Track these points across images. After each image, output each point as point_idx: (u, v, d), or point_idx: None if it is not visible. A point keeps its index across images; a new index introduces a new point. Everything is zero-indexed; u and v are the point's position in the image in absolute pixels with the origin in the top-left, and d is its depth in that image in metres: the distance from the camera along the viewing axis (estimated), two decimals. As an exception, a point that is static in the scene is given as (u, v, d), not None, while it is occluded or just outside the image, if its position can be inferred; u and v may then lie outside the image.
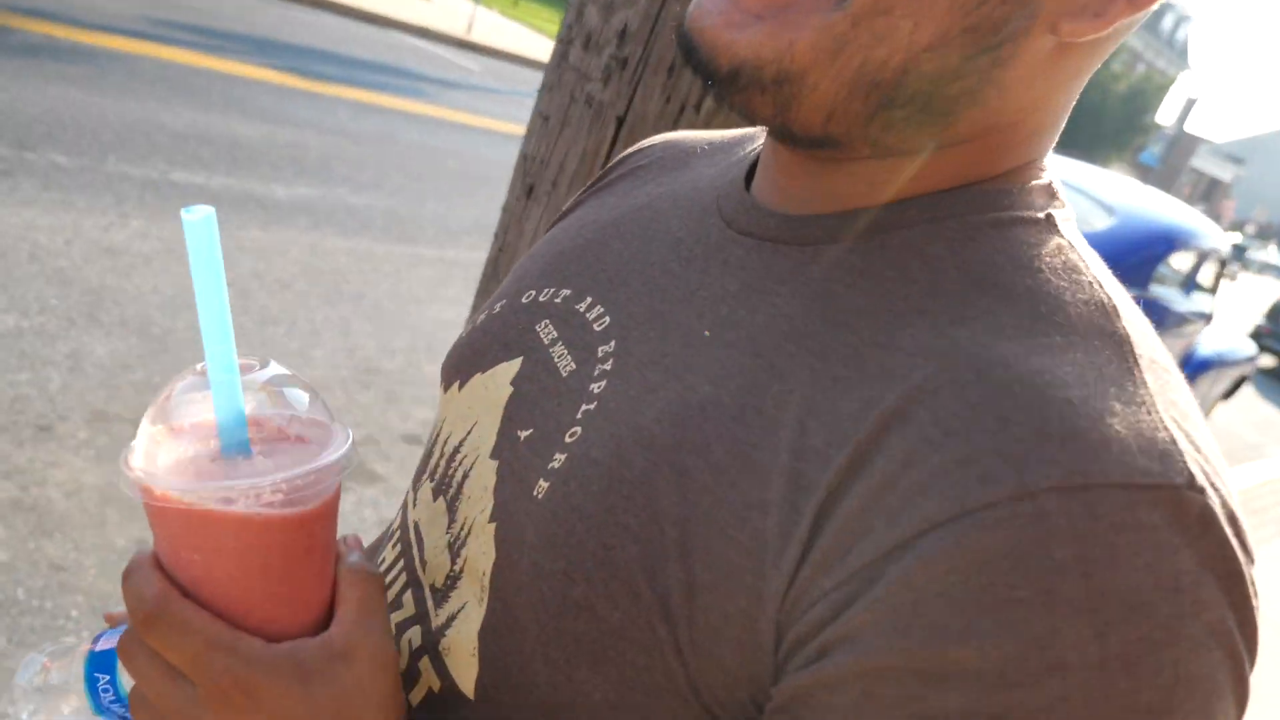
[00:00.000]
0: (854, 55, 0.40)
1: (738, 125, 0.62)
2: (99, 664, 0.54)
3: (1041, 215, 0.45)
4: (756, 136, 0.59)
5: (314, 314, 4.01)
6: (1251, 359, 7.41)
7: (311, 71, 8.58)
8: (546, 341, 0.52)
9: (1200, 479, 0.37)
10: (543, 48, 17.55)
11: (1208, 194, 54.09)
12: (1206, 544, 0.36)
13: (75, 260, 3.68)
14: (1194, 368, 6.62)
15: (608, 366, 0.48)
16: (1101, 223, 5.72)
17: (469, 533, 0.49)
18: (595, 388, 0.47)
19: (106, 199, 4.34)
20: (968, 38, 0.40)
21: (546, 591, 0.44)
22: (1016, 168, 0.46)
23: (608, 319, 0.50)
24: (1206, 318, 6.63)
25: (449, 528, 0.50)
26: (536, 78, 14.58)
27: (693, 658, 0.41)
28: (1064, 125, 0.48)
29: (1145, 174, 41.87)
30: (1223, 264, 6.69)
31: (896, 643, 0.35)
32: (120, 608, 0.62)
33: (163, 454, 0.42)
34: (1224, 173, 54.44)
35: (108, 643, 0.55)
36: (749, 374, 0.43)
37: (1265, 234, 59.07)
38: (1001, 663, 0.34)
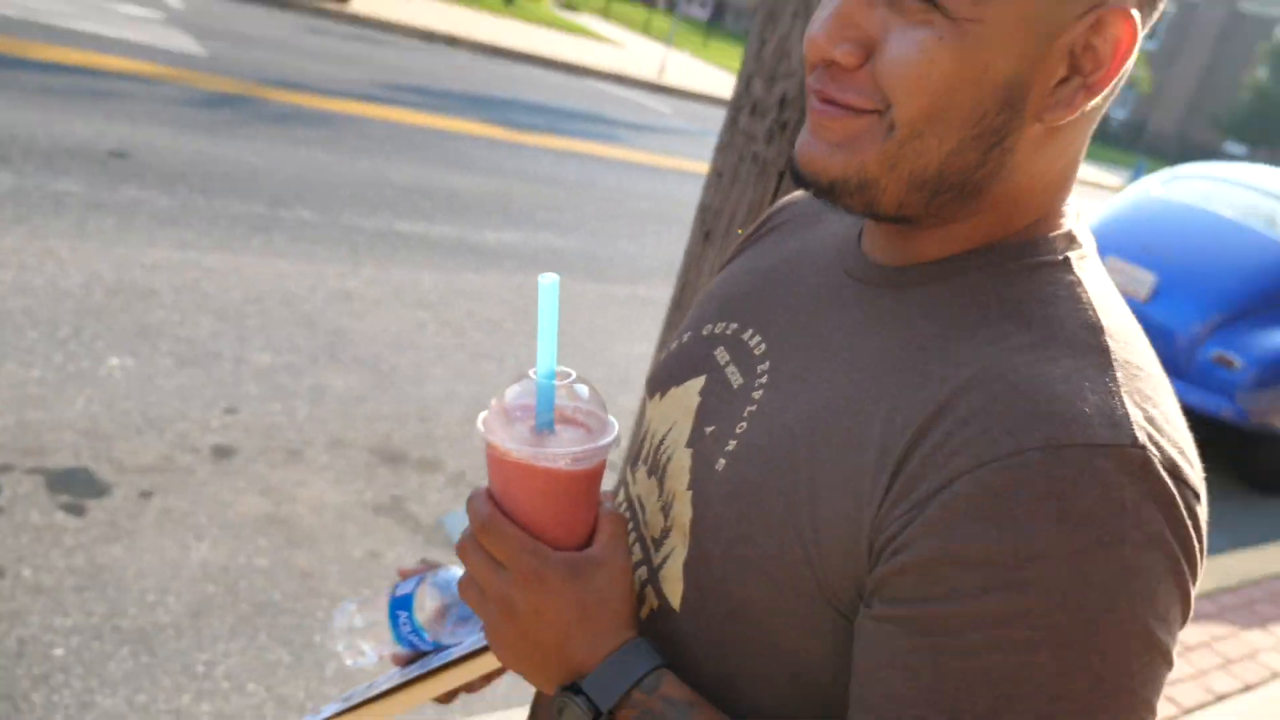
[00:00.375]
0: (904, 167, 0.60)
1: None
2: (399, 604, 0.78)
3: (1060, 258, 0.63)
4: None
5: (520, 350, 4.33)
6: None
7: (517, 123, 9.19)
8: (721, 363, 0.73)
9: (1143, 439, 0.53)
10: (730, 86, 17.89)
11: None
12: (1147, 483, 0.52)
13: (319, 304, 4.18)
14: None
15: (764, 380, 0.68)
16: None
17: (674, 499, 0.70)
18: (756, 395, 0.68)
19: (343, 249, 4.87)
20: (979, 141, 0.59)
21: (726, 531, 0.64)
22: (1040, 219, 0.64)
23: (764, 345, 0.71)
24: None
25: (660, 497, 0.72)
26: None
27: (819, 567, 0.60)
28: (1075, 178, 0.65)
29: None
30: None
31: (937, 544, 0.53)
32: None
33: (503, 424, 0.64)
34: None
35: (404, 590, 0.79)
36: (857, 385, 0.62)
37: None
38: (1002, 554, 0.52)
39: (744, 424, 0.67)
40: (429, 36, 13.13)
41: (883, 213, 0.62)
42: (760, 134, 1.34)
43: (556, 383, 0.64)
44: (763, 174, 1.34)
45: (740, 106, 1.40)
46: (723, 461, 0.66)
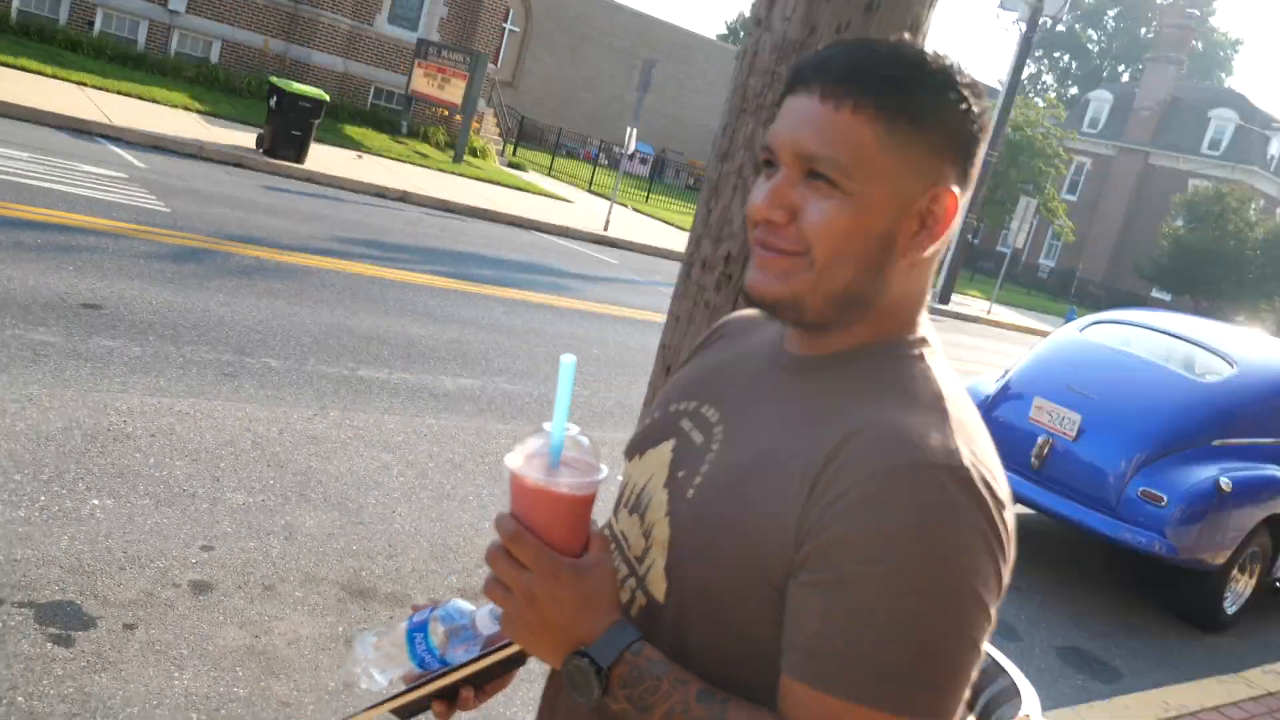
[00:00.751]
0: (821, 289, 0.90)
1: None
2: (416, 630, 1.02)
3: (915, 353, 0.93)
4: None
5: (481, 490, 4.53)
6: None
7: (471, 275, 9.59)
8: (686, 429, 1.01)
9: (967, 463, 0.81)
10: (672, 237, 18.69)
11: (1380, 335, 50.27)
12: (969, 491, 0.81)
13: (287, 446, 4.36)
14: None
15: (719, 438, 0.96)
16: (1224, 372, 5.75)
17: (654, 526, 0.97)
18: (714, 447, 0.96)
19: (309, 394, 5.08)
20: (867, 272, 0.90)
21: (696, 539, 0.91)
22: (903, 325, 0.95)
23: (717, 415, 0.99)
24: None
25: (641, 526, 0.99)
26: (669, 266, 15.51)
27: (762, 556, 0.85)
28: (927, 299, 0.97)
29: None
30: None
31: (840, 530, 0.80)
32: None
33: (525, 462, 0.87)
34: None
35: (419, 619, 1.03)
36: (785, 436, 0.90)
37: None
38: (880, 535, 0.79)
39: (706, 466, 0.94)
40: (381, 193, 13.69)
41: (807, 321, 0.93)
42: (710, 284, 1.66)
43: (565, 437, 0.89)
44: (713, 316, 1.65)
45: (692, 262, 1.73)
46: (692, 492, 0.94)
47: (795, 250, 0.89)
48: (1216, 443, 5.45)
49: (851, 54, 0.89)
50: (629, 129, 16.67)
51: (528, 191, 18.79)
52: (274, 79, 13.61)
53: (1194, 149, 45.16)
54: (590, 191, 23.36)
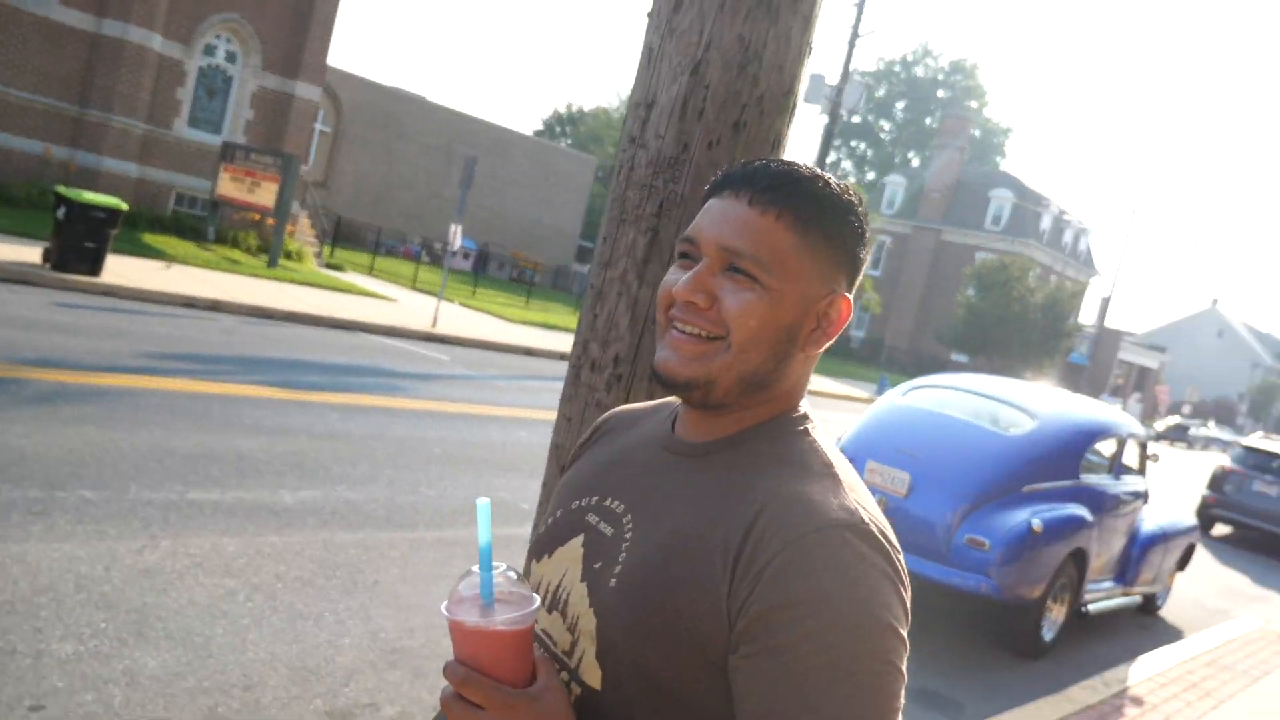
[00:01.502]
0: (733, 371, 0.99)
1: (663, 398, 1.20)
2: None
3: (801, 429, 1.04)
4: (671, 404, 1.15)
5: (336, 605, 4.30)
6: (1193, 529, 7.94)
7: (298, 382, 9.22)
8: (594, 523, 1.06)
9: (865, 519, 0.93)
10: (502, 330, 18.65)
11: (1140, 382, 56.22)
12: (870, 542, 0.92)
13: (116, 584, 4.00)
14: (1141, 544, 7.05)
15: (630, 527, 1.02)
16: (1027, 425, 6.36)
17: (578, 618, 1.01)
18: (627, 536, 1.01)
19: (135, 524, 4.70)
20: (774, 358, 1.00)
21: (625, 623, 0.96)
22: (791, 407, 1.05)
23: (622, 506, 1.04)
24: (1142, 496, 7.17)
25: (565, 621, 1.03)
26: (501, 359, 15.45)
27: (696, 633, 0.91)
28: (810, 384, 1.08)
29: (1079, 372, 43.92)
30: (1143, 447, 7.33)
31: (767, 599, 0.88)
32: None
33: (460, 606, 0.92)
34: (1151, 361, 56.44)
35: None
36: (696, 516, 0.97)
37: (1202, 411, 61.87)
38: (803, 596, 0.87)
39: (624, 554, 1.00)
40: (190, 303, 13.02)
41: (714, 401, 1.01)
42: (600, 385, 1.69)
43: (493, 575, 0.93)
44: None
45: (580, 365, 1.76)
46: (614, 581, 0.99)
47: (714, 334, 0.98)
48: (1026, 489, 6.03)
49: (779, 170, 1.01)
50: (453, 226, 16.63)
51: (349, 292, 18.34)
52: (61, 188, 12.76)
53: (978, 225, 49.59)
54: (415, 289, 23.06)
